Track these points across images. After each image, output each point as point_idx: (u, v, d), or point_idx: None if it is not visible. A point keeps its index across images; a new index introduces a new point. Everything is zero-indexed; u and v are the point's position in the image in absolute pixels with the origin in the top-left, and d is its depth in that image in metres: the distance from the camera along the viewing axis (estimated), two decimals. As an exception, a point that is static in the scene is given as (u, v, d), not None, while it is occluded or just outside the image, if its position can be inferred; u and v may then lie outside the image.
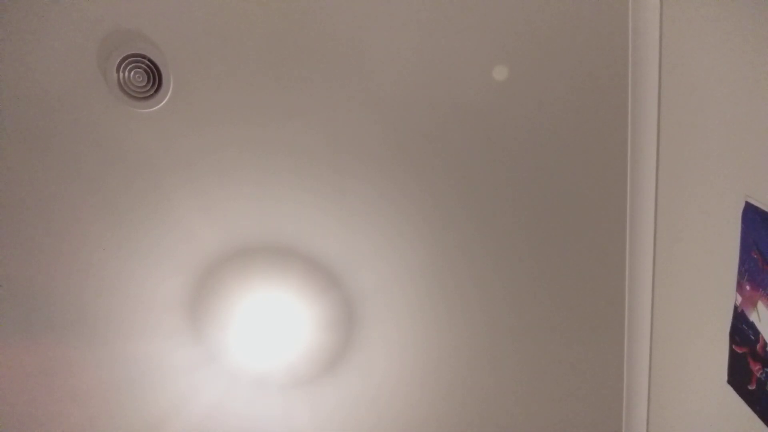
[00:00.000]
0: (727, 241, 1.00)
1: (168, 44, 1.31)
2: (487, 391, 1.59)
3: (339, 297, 1.53)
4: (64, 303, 1.51)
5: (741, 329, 0.98)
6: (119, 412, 1.60)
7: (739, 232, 0.96)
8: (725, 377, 1.05)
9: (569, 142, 1.37)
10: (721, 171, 1.05)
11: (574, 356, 1.54)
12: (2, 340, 1.52)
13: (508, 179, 1.41)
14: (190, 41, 1.31)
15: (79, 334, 1.54)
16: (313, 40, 1.31)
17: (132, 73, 1.32)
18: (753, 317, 0.94)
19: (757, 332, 0.93)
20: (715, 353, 1.08)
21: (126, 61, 1.31)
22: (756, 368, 0.94)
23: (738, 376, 1.01)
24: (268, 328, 1.56)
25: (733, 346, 1.01)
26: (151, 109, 1.36)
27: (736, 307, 0.99)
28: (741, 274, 0.97)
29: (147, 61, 1.31)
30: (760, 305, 0.91)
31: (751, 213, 0.93)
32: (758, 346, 0.93)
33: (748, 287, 0.94)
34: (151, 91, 1.34)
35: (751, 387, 0.97)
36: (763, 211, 0.89)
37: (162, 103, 1.35)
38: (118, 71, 1.32)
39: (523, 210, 1.44)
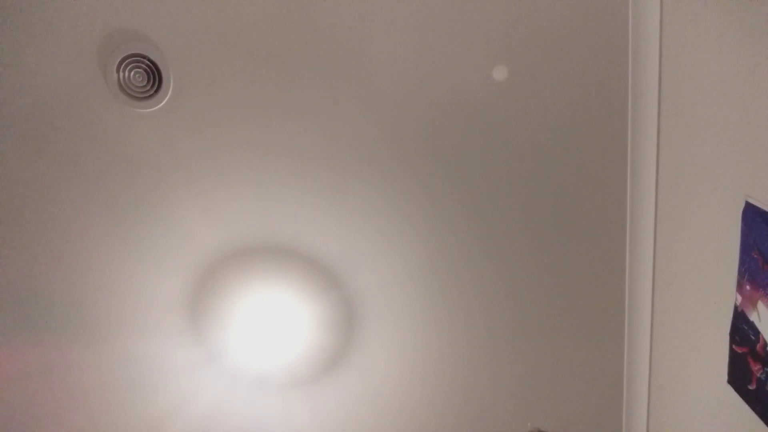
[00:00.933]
0: (728, 241, 1.00)
1: (168, 44, 1.31)
2: (487, 390, 1.59)
3: (339, 297, 1.53)
4: (64, 303, 1.51)
5: (741, 329, 0.98)
6: (119, 411, 1.60)
7: (739, 232, 0.96)
8: (725, 377, 1.05)
9: (569, 142, 1.37)
10: (721, 171, 1.05)
11: (574, 355, 1.54)
12: (2, 339, 1.52)
13: (508, 179, 1.41)
14: (190, 42, 1.31)
15: (79, 334, 1.54)
16: (313, 40, 1.31)
17: (132, 73, 1.32)
18: (753, 317, 0.94)
19: (757, 332, 0.93)
20: (715, 353, 1.08)
21: (126, 61, 1.31)
22: (756, 368, 0.94)
23: (738, 376, 1.01)
24: (268, 328, 1.56)
25: (734, 346, 1.01)
26: (151, 109, 1.36)
27: (736, 307, 0.99)
28: (741, 274, 0.97)
29: (147, 61, 1.31)
30: (760, 305, 0.92)
31: (751, 213, 0.93)
32: (758, 346, 0.93)
33: (748, 287, 0.94)
34: (151, 91, 1.34)
35: (751, 387, 0.97)
36: (763, 211, 0.90)
37: (162, 103, 1.35)
38: (118, 71, 1.32)
39: (522, 210, 1.44)
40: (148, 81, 1.32)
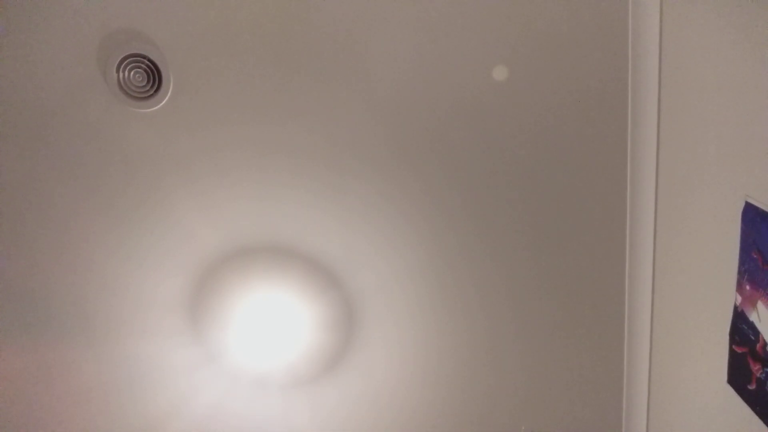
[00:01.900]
0: (727, 241, 1.00)
1: (168, 44, 1.31)
2: (487, 390, 1.59)
3: (339, 297, 1.53)
4: (64, 303, 1.51)
5: (741, 329, 0.98)
6: (119, 411, 1.60)
7: (739, 232, 0.96)
8: (725, 377, 1.05)
9: (569, 142, 1.37)
10: (721, 171, 1.05)
11: (574, 355, 1.54)
12: (2, 340, 1.52)
13: (509, 179, 1.41)
14: (190, 41, 1.31)
15: (79, 334, 1.54)
16: (313, 39, 1.31)
17: (132, 73, 1.32)
18: (753, 317, 0.94)
19: (757, 332, 0.93)
20: (715, 353, 1.08)
21: (126, 61, 1.31)
22: (756, 368, 0.94)
23: (738, 376, 1.01)
24: (268, 328, 1.56)
25: (733, 346, 1.01)
26: (150, 109, 1.36)
27: (736, 307, 0.99)
28: (741, 273, 0.97)
29: (147, 61, 1.31)
30: (760, 305, 0.92)
31: (750, 213, 0.93)
32: (758, 346, 0.93)
33: (748, 287, 0.94)
34: (151, 91, 1.34)
35: (751, 387, 0.97)
36: (762, 211, 0.90)
37: (162, 103, 1.35)
38: (118, 71, 1.32)
39: (523, 210, 1.44)
40: (148, 81, 1.32)
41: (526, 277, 1.49)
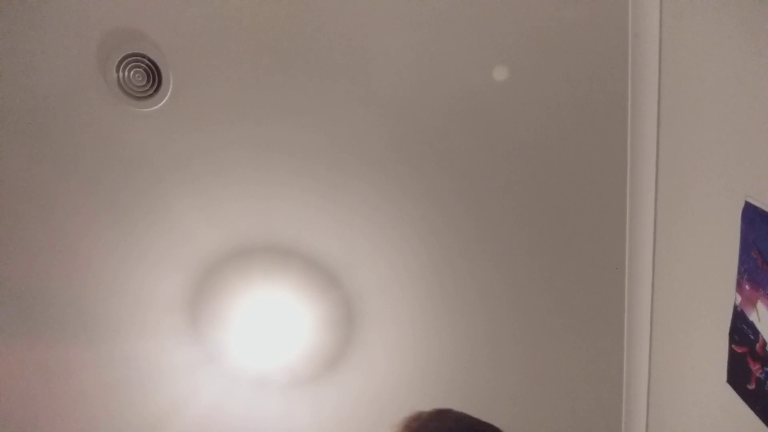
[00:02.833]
0: (727, 240, 1.00)
1: (168, 44, 1.31)
2: (487, 390, 1.59)
3: (339, 297, 1.53)
4: (64, 302, 1.51)
5: (740, 329, 0.98)
6: (119, 411, 1.60)
7: (738, 232, 0.96)
8: (725, 377, 1.05)
9: (569, 142, 1.37)
10: (720, 171, 1.05)
11: (574, 354, 1.54)
12: (2, 340, 1.52)
13: (508, 179, 1.41)
14: (189, 41, 1.30)
15: (79, 334, 1.53)
16: (313, 39, 1.31)
17: (132, 72, 1.32)
18: (752, 317, 0.94)
19: (756, 332, 0.93)
20: (714, 353, 1.08)
21: (126, 61, 1.31)
22: (755, 368, 0.94)
23: (737, 376, 1.01)
24: (268, 328, 1.56)
25: (733, 346, 1.02)
26: (150, 109, 1.35)
27: (735, 307, 0.99)
28: (740, 273, 0.97)
29: (147, 61, 1.31)
30: (760, 305, 0.92)
31: (750, 213, 0.93)
32: (758, 346, 0.93)
33: (747, 287, 0.95)
34: (151, 91, 1.34)
35: (751, 386, 0.97)
36: (762, 211, 0.90)
37: (162, 103, 1.35)
38: (117, 70, 1.32)
39: (522, 210, 1.44)
40: (148, 80, 1.32)
41: (525, 277, 1.49)
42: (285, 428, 1.63)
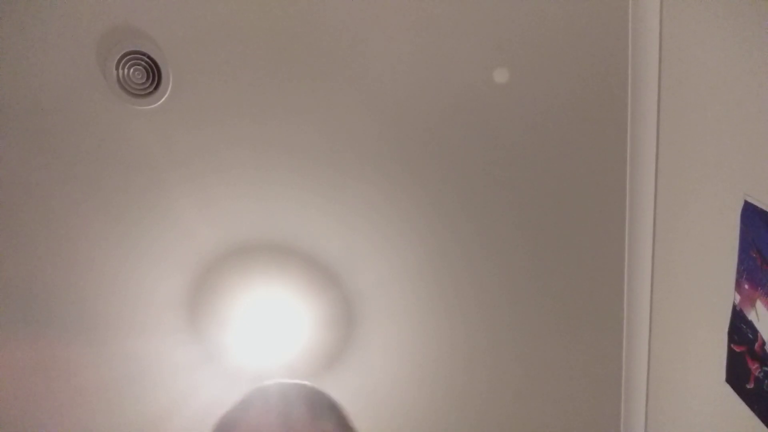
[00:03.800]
0: (726, 240, 1.01)
1: (167, 41, 1.30)
2: (485, 389, 1.59)
3: (338, 295, 1.53)
4: (63, 301, 1.51)
5: (739, 328, 0.98)
6: (119, 410, 1.60)
7: (738, 232, 0.96)
8: (723, 376, 1.05)
9: (569, 141, 1.37)
10: (720, 170, 1.05)
11: (573, 354, 1.54)
12: (1, 338, 1.52)
13: (508, 179, 1.42)
14: (189, 38, 1.30)
15: (78, 332, 1.53)
16: (313, 37, 1.31)
17: (131, 70, 1.32)
18: (751, 316, 0.94)
19: (755, 331, 0.93)
20: (713, 352, 1.08)
21: (125, 58, 1.31)
22: (754, 367, 0.95)
23: (736, 375, 1.01)
24: (267, 327, 1.56)
25: (732, 345, 1.02)
26: (150, 107, 1.35)
27: (734, 306, 0.99)
28: (740, 273, 0.97)
29: (146, 58, 1.31)
30: (759, 304, 0.92)
31: (750, 212, 0.93)
32: (756, 345, 0.93)
33: (746, 286, 0.95)
34: (151, 89, 1.34)
35: (750, 386, 0.97)
36: (762, 211, 0.90)
37: (161, 101, 1.35)
38: (117, 68, 1.32)
39: (522, 209, 1.44)
40: (148, 78, 1.32)
41: (524, 276, 1.49)
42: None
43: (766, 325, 0.91)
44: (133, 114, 1.36)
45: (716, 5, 1.02)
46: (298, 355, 1.57)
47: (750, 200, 0.93)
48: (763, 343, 0.91)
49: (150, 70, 1.32)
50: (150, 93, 1.34)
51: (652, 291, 1.42)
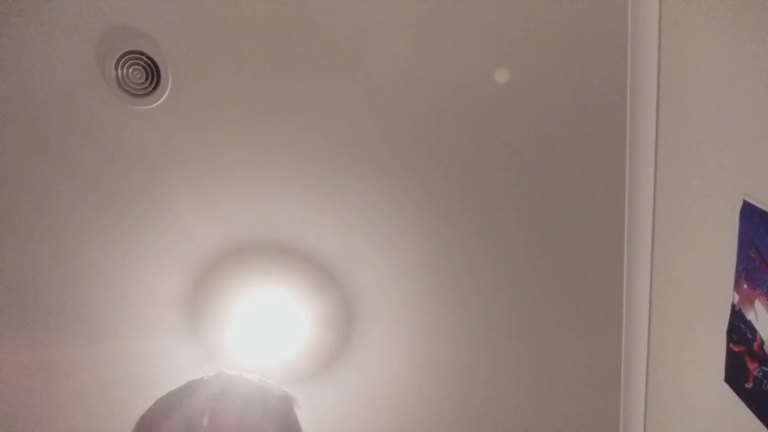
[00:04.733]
0: (725, 239, 1.01)
1: (167, 41, 1.30)
2: (485, 389, 1.59)
3: (337, 295, 1.53)
4: (63, 300, 1.51)
5: (738, 328, 0.98)
6: (118, 409, 1.60)
7: (736, 231, 0.96)
8: (722, 376, 1.05)
9: (568, 140, 1.37)
10: (719, 170, 1.05)
11: (572, 353, 1.54)
12: (1, 338, 1.52)
13: (507, 178, 1.42)
14: (189, 38, 1.30)
15: (78, 332, 1.54)
16: (313, 37, 1.31)
17: (130, 69, 1.32)
18: (750, 316, 0.94)
19: (754, 331, 0.93)
20: (712, 352, 1.08)
21: (124, 58, 1.31)
22: (753, 367, 0.95)
23: (735, 375, 1.01)
24: (267, 326, 1.56)
25: (731, 345, 1.02)
26: (149, 106, 1.35)
27: (733, 306, 0.99)
28: (738, 272, 0.97)
29: (146, 58, 1.31)
30: (758, 304, 0.92)
31: (749, 212, 0.93)
32: (755, 345, 0.93)
33: (745, 286, 0.95)
34: (150, 88, 1.34)
35: (748, 385, 0.97)
36: (761, 210, 0.90)
37: (160, 100, 1.35)
38: (116, 68, 1.32)
39: (521, 209, 1.44)
40: (147, 78, 1.32)
41: (524, 276, 1.49)
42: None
43: (764, 325, 0.91)
44: (133, 114, 1.36)
45: (715, 5, 1.02)
46: (298, 355, 1.57)
47: (749, 200, 0.93)
48: (762, 343, 0.91)
49: (149, 69, 1.32)
50: (149, 93, 1.34)
51: (651, 291, 1.42)
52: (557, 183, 1.41)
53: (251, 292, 1.54)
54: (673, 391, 1.34)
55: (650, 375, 1.47)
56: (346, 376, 1.59)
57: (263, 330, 1.56)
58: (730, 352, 1.02)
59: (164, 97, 1.34)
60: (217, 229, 1.48)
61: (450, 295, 1.52)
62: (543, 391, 1.58)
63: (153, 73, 1.32)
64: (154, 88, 1.34)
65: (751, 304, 0.93)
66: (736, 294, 0.98)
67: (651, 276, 1.41)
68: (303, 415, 0.81)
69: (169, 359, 1.57)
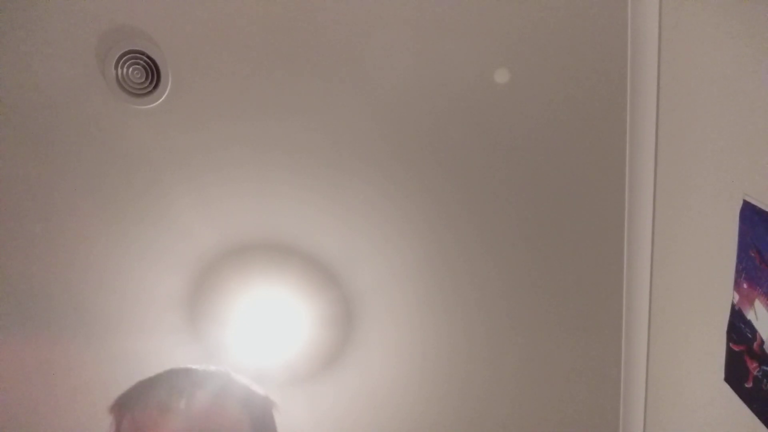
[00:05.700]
0: (725, 239, 1.01)
1: (167, 41, 1.30)
2: (484, 388, 1.60)
3: (337, 294, 1.53)
4: (63, 300, 1.51)
5: (738, 327, 0.98)
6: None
7: (736, 231, 0.96)
8: (722, 375, 1.06)
9: (568, 141, 1.37)
10: (719, 170, 1.05)
11: (572, 353, 1.54)
12: (1, 337, 1.52)
13: (507, 178, 1.42)
14: (188, 38, 1.30)
15: (78, 331, 1.53)
16: (313, 36, 1.31)
17: (130, 69, 1.32)
18: (750, 315, 0.94)
19: (754, 330, 0.93)
20: (712, 351, 1.08)
21: (124, 58, 1.31)
22: (753, 366, 0.95)
23: (735, 374, 1.02)
24: (267, 326, 1.56)
25: (730, 344, 1.02)
26: (149, 106, 1.35)
27: (733, 305, 0.99)
28: (738, 272, 0.97)
29: (145, 58, 1.31)
30: (758, 303, 0.92)
31: (749, 212, 0.93)
32: (755, 344, 0.93)
33: (745, 285, 0.95)
34: (150, 88, 1.34)
35: (748, 385, 0.97)
36: (761, 210, 0.90)
37: (160, 100, 1.35)
38: (116, 68, 1.32)
39: (521, 209, 1.44)
40: (147, 77, 1.32)
41: (524, 276, 1.49)
42: (282, 425, 1.63)
43: (764, 325, 0.91)
44: (133, 113, 1.36)
45: (715, 5, 1.02)
46: (298, 355, 1.57)
47: (749, 200, 0.93)
48: (762, 343, 0.92)
49: (149, 69, 1.32)
50: (149, 92, 1.34)
51: (651, 290, 1.42)
52: (557, 183, 1.41)
53: (251, 292, 1.54)
54: (673, 391, 1.34)
55: (650, 374, 1.47)
56: (346, 376, 1.59)
57: (263, 330, 1.56)
58: (729, 352, 1.03)
59: (164, 96, 1.34)
60: (217, 228, 1.48)
61: (450, 295, 1.52)
62: (543, 391, 1.58)
63: (153, 73, 1.32)
64: (154, 88, 1.34)
65: (751, 303, 0.94)
66: (736, 293, 0.98)
67: (651, 276, 1.41)
68: (280, 420, 0.81)
69: (169, 359, 1.56)
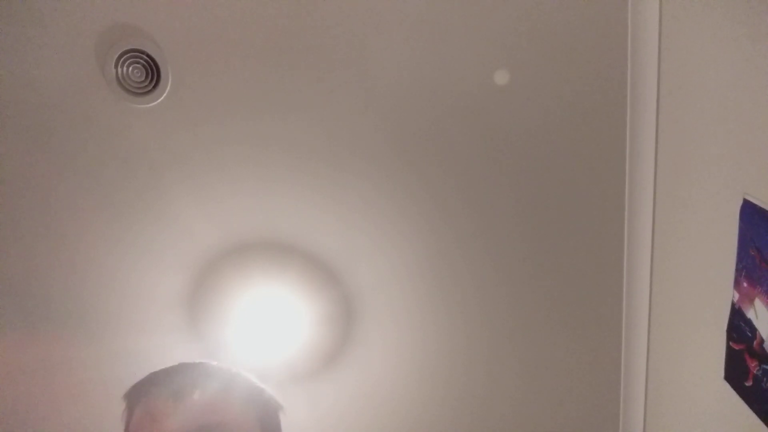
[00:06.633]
0: (725, 238, 1.01)
1: (167, 40, 1.30)
2: (484, 388, 1.60)
3: (337, 293, 1.53)
4: (63, 299, 1.51)
5: (738, 326, 0.98)
6: (119, 408, 1.59)
7: (737, 230, 0.96)
8: (722, 374, 1.06)
9: (568, 140, 1.37)
10: (719, 169, 1.05)
11: (572, 352, 1.54)
12: (1, 337, 1.52)
13: (507, 177, 1.42)
14: (188, 37, 1.30)
15: (78, 331, 1.53)
16: (313, 35, 1.30)
17: (130, 68, 1.32)
18: (750, 314, 0.94)
19: (754, 329, 0.93)
20: (712, 350, 1.08)
21: (124, 57, 1.31)
22: (753, 365, 0.95)
23: (735, 373, 1.02)
24: (267, 325, 1.56)
25: (730, 343, 1.02)
26: (149, 105, 1.35)
27: (733, 304, 0.99)
28: (738, 271, 0.97)
29: (145, 57, 1.31)
30: (758, 302, 0.92)
31: (749, 210, 0.93)
32: (755, 343, 0.94)
33: (745, 284, 0.95)
34: (150, 87, 1.34)
35: (748, 383, 0.97)
36: (761, 209, 0.90)
37: (160, 99, 1.35)
38: (116, 67, 1.32)
39: (521, 208, 1.44)
40: (147, 76, 1.32)
41: (524, 275, 1.49)
42: (283, 424, 1.63)
43: (764, 323, 0.91)
44: (133, 112, 1.36)
45: (715, 5, 1.02)
46: (298, 353, 1.57)
47: (749, 198, 0.93)
48: (762, 341, 0.92)
49: (149, 68, 1.31)
50: (149, 91, 1.34)
51: (651, 289, 1.42)
52: (557, 183, 1.41)
53: (251, 291, 1.54)
54: (673, 389, 1.34)
55: (650, 373, 1.47)
56: (346, 375, 1.60)
57: (263, 328, 1.56)
58: (729, 350, 1.03)
59: (164, 95, 1.34)
60: (217, 227, 1.48)
61: (450, 295, 1.52)
62: (543, 391, 1.58)
63: (153, 72, 1.32)
64: (154, 87, 1.34)
65: (751, 302, 0.94)
66: (736, 292, 0.98)
67: (651, 275, 1.41)
68: (285, 422, 0.83)
69: (170, 358, 1.56)
